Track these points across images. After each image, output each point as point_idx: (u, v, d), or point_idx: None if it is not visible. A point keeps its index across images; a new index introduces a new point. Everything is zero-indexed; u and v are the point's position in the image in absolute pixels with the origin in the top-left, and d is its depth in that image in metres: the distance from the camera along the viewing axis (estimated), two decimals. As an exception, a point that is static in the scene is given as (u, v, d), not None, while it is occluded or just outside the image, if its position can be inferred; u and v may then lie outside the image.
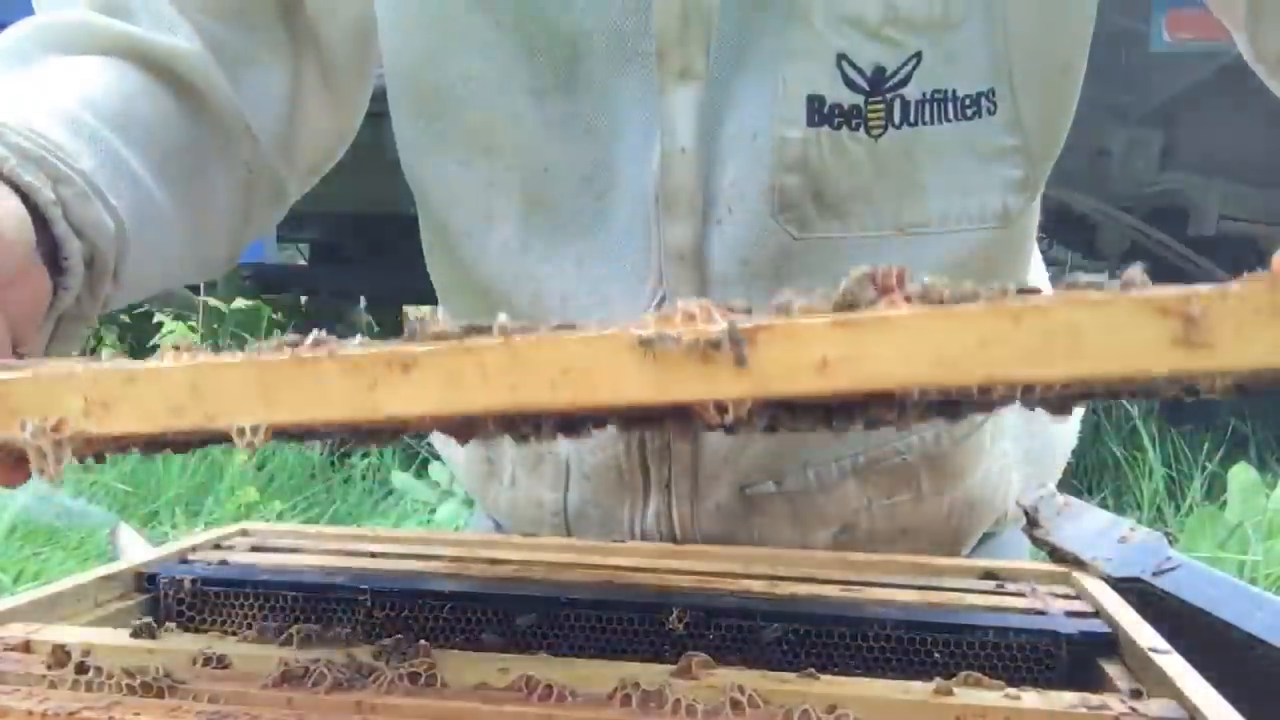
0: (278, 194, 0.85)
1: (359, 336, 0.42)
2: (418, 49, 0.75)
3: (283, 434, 0.42)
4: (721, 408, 0.36)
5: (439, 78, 0.75)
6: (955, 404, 0.45)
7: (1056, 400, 0.40)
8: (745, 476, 0.78)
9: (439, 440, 0.99)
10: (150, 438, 0.43)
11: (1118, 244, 3.08)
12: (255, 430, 0.41)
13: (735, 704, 0.45)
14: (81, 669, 0.49)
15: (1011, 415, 0.85)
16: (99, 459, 0.47)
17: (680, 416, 0.39)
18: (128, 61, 0.72)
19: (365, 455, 3.17)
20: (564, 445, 0.80)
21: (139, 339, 3.56)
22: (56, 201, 0.59)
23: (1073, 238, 3.28)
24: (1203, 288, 0.33)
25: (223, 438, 0.42)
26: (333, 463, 3.15)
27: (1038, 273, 0.91)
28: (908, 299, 0.35)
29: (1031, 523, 0.75)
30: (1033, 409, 0.39)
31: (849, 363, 0.35)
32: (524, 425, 0.42)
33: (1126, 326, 0.34)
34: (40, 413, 0.42)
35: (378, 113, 0.92)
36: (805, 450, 0.78)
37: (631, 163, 0.73)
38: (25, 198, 0.57)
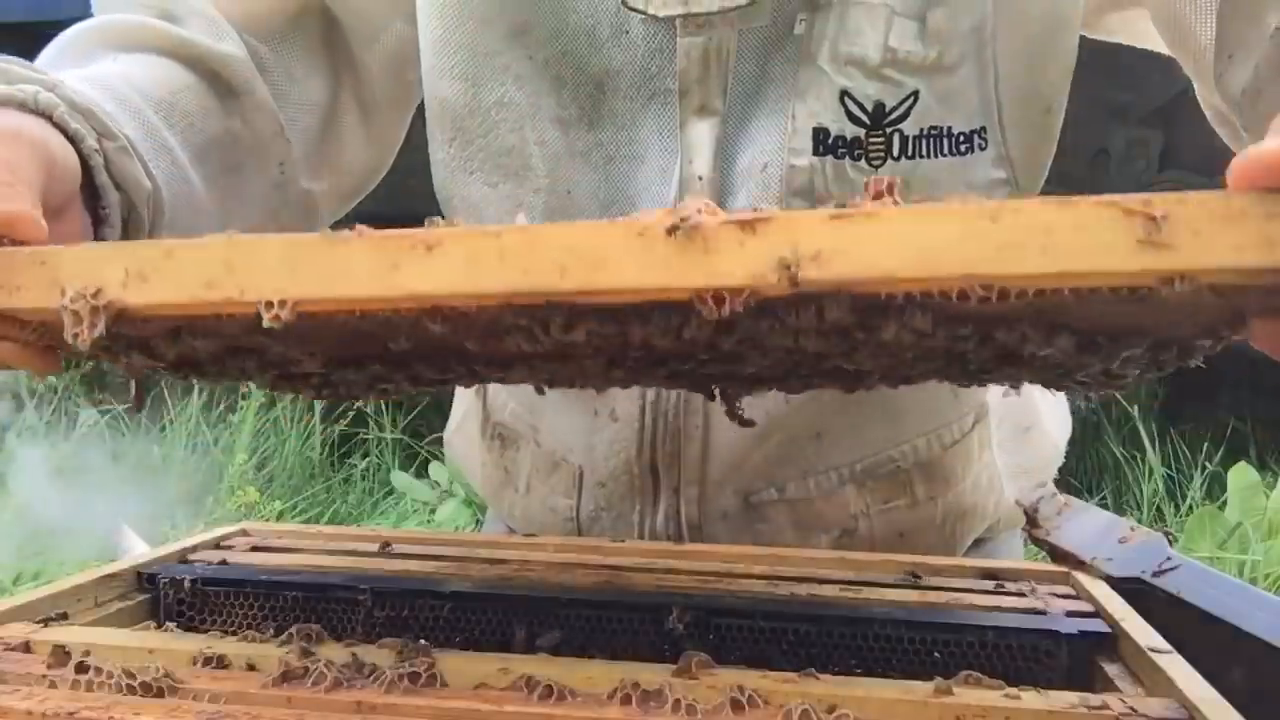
0: (307, 208, 0.88)
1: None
2: (456, 75, 0.79)
3: (309, 319, 0.44)
4: (719, 300, 0.39)
5: (474, 103, 0.79)
6: (960, 358, 0.47)
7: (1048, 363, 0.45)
8: (749, 484, 0.81)
9: (459, 448, 1.03)
10: (181, 314, 0.46)
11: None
12: (282, 305, 0.42)
13: (735, 704, 0.45)
14: (81, 669, 0.49)
15: (997, 427, 0.88)
16: (127, 353, 0.50)
17: (680, 314, 0.42)
18: (177, 61, 0.77)
19: (365, 455, 3.17)
20: (578, 454, 0.84)
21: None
22: (99, 151, 0.63)
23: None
24: (1162, 194, 0.36)
25: (252, 326, 0.44)
26: (333, 463, 3.15)
27: None
28: (895, 202, 0.38)
29: (1031, 523, 0.75)
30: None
31: (841, 255, 0.38)
32: (538, 321, 0.44)
33: (1094, 225, 0.36)
34: (82, 282, 0.45)
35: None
36: (805, 460, 0.81)
37: (649, 190, 0.76)
38: (71, 143, 0.61)
